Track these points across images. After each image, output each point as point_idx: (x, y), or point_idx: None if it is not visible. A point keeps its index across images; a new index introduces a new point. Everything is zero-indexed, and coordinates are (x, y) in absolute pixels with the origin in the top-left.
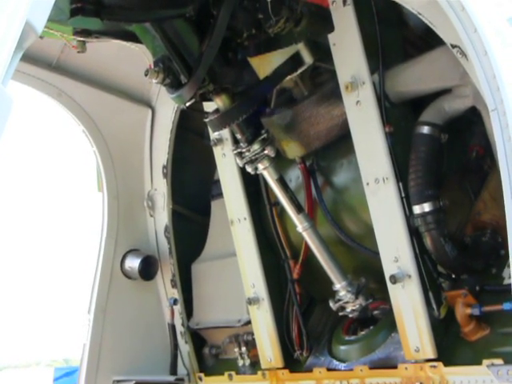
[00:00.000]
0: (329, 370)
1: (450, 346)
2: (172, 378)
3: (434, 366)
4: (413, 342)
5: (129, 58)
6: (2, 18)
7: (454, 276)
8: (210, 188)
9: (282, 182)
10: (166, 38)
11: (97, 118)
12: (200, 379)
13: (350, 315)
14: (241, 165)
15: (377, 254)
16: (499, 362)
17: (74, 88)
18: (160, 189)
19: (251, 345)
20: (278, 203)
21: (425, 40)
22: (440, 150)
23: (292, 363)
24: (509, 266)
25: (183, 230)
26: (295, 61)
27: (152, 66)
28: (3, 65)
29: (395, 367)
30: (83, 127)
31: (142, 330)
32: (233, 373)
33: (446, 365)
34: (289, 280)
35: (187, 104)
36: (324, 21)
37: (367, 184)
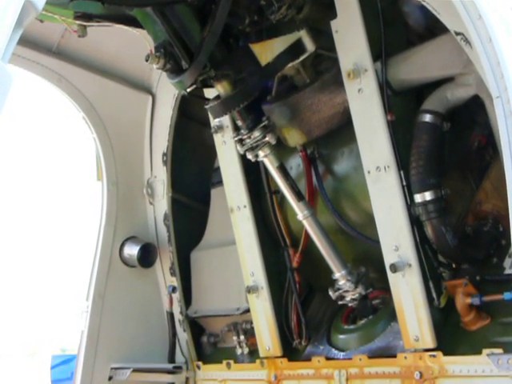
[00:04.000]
0: (327, 358)
1: (450, 335)
2: (170, 366)
3: (434, 356)
4: (412, 332)
5: (130, 44)
6: None
7: (454, 265)
8: (209, 176)
9: (283, 170)
10: (168, 22)
11: (97, 105)
12: (198, 367)
13: (350, 304)
14: (241, 152)
15: (377, 242)
16: (499, 351)
17: (74, 74)
18: (160, 176)
19: (250, 333)
20: (278, 191)
21: (428, 28)
22: (442, 138)
23: (290, 352)
24: (510, 256)
25: (183, 218)
26: (297, 48)
27: (153, 52)
28: (3, 41)
29: (394, 356)
30: (83, 113)
31: (140, 317)
32: (231, 361)
33: (445, 354)
34: (288, 268)
35: (188, 90)
36: (326, 7)
37: (368, 172)
